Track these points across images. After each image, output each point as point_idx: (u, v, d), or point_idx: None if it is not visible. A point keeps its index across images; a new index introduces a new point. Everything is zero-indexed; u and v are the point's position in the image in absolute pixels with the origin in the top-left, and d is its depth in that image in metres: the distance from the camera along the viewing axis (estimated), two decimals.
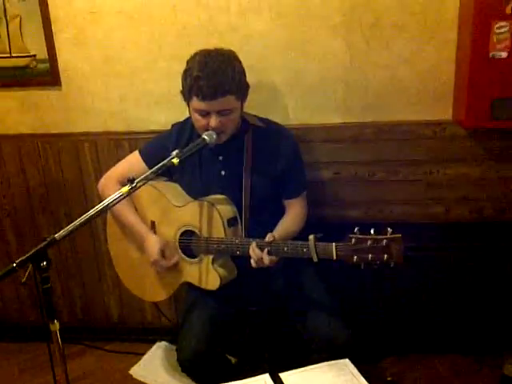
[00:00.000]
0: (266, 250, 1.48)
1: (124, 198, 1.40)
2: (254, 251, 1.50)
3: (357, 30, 1.97)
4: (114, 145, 2.24)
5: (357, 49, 2.00)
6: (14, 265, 1.21)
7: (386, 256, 1.29)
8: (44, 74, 2.18)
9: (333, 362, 1.44)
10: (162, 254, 1.72)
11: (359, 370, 1.40)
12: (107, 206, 1.38)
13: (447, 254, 2.11)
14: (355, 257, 1.32)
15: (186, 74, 1.58)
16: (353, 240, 1.32)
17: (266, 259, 1.48)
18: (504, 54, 1.76)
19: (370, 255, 1.30)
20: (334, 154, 2.12)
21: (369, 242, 1.30)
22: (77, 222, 1.32)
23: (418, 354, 2.22)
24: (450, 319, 2.18)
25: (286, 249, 1.52)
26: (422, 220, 2.16)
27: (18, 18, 2.13)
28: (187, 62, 1.60)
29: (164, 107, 2.17)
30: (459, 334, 2.19)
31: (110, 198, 1.39)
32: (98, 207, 1.36)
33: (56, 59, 2.17)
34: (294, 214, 1.76)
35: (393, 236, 1.29)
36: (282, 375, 1.41)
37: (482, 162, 2.07)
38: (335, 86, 2.06)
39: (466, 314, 2.16)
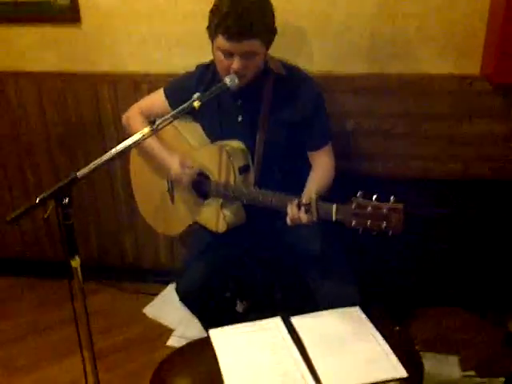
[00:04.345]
0: (303, 208, 1.42)
1: (144, 139, 1.40)
2: (292, 210, 1.45)
3: None
4: (133, 86, 2.22)
5: None
6: (37, 201, 1.23)
7: (384, 224, 1.26)
8: (64, 10, 2.14)
9: (343, 309, 1.47)
10: (182, 167, 1.72)
11: (368, 318, 1.43)
12: (128, 146, 1.37)
13: (461, 212, 2.12)
14: (354, 221, 1.29)
15: (215, 9, 1.52)
16: (354, 204, 1.29)
17: (304, 218, 1.43)
18: None
19: (369, 221, 1.27)
20: (355, 104, 2.08)
21: (369, 208, 1.26)
22: (98, 161, 1.32)
23: (425, 308, 2.27)
24: (459, 275, 2.21)
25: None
26: (440, 177, 2.14)
27: None
28: None
29: (184, 49, 2.13)
30: (466, 289, 2.23)
31: (130, 138, 1.38)
32: (119, 147, 1.35)
33: None
34: (321, 168, 1.72)
35: (394, 205, 1.25)
36: (293, 319, 1.45)
37: (507, 120, 2.02)
38: (361, 34, 2.00)
39: (475, 271, 2.19)
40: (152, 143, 1.78)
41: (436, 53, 1.99)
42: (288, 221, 1.47)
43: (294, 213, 1.44)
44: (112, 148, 1.36)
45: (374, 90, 2.06)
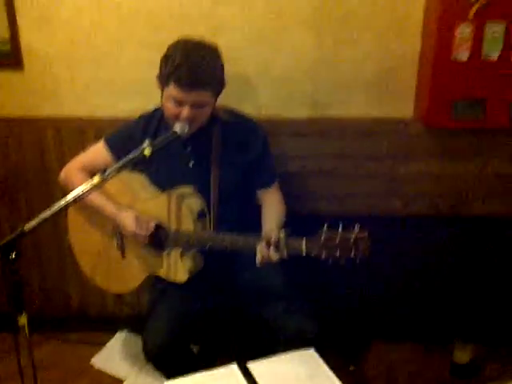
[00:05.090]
0: (272, 247, 1.45)
1: (95, 188, 1.39)
2: (261, 250, 1.48)
3: (326, 24, 2.00)
4: (79, 131, 2.19)
5: (325, 43, 2.03)
6: None
7: (353, 252, 1.33)
8: (5, 55, 2.10)
9: (298, 352, 1.48)
10: (138, 224, 1.68)
11: (323, 359, 1.45)
12: (78, 196, 1.36)
13: (402, 247, 2.21)
14: (324, 253, 1.35)
15: (167, 59, 1.55)
16: (322, 237, 1.35)
17: (274, 256, 1.45)
18: (465, 57, 1.83)
19: (339, 251, 1.34)
20: (300, 147, 2.15)
21: (337, 240, 1.34)
22: (47, 213, 1.30)
23: (376, 342, 2.33)
24: (403, 308, 2.29)
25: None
26: (382, 213, 2.23)
27: None
28: (168, 48, 1.58)
29: (131, 95, 2.14)
30: (412, 322, 2.31)
31: (80, 187, 1.37)
32: (69, 198, 1.34)
33: (18, 39, 2.09)
34: (274, 205, 1.77)
35: (361, 234, 1.34)
36: (249, 365, 1.44)
37: (440, 159, 2.15)
38: (303, 80, 2.09)
39: (418, 304, 2.28)
40: (97, 197, 1.73)
41: (373, 97, 2.11)
42: (258, 261, 1.49)
43: (263, 252, 1.47)
44: (56, 196, 1.34)
45: (317, 133, 2.14)
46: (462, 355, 2.13)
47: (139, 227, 1.66)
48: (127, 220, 1.68)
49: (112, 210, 1.73)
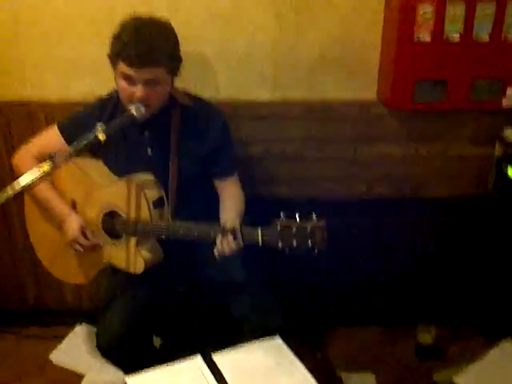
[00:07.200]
0: (231, 237, 1.39)
1: (45, 176, 1.30)
2: (220, 239, 1.42)
3: (287, 4, 1.95)
4: (28, 116, 2.07)
5: (287, 24, 1.97)
6: None
7: (310, 242, 1.28)
8: None
9: (264, 340, 1.45)
10: (83, 233, 1.63)
11: (289, 347, 1.42)
12: (25, 186, 1.27)
13: (368, 229, 2.20)
14: (280, 243, 1.30)
15: (116, 37, 1.49)
16: (278, 226, 1.30)
17: (233, 246, 1.40)
18: (427, 38, 1.81)
19: (295, 241, 1.29)
20: (262, 131, 2.10)
21: (294, 229, 1.28)
22: None
23: (341, 327, 2.32)
24: (368, 292, 2.29)
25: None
26: (346, 197, 2.21)
27: None
28: (119, 26, 1.51)
29: (84, 75, 2.03)
30: (376, 305, 2.32)
31: (28, 176, 1.28)
32: (18, 187, 1.25)
33: None
34: (233, 197, 1.71)
35: (317, 224, 1.28)
36: (214, 356, 1.40)
37: (403, 141, 2.14)
38: (264, 61, 2.03)
39: (383, 287, 2.28)
40: (50, 198, 1.67)
41: (335, 79, 2.07)
42: (216, 252, 1.44)
43: (222, 243, 1.41)
44: (4, 184, 1.26)
45: (279, 116, 2.09)
46: (426, 337, 2.15)
47: (80, 237, 1.62)
48: (72, 225, 1.63)
49: (60, 210, 1.67)
